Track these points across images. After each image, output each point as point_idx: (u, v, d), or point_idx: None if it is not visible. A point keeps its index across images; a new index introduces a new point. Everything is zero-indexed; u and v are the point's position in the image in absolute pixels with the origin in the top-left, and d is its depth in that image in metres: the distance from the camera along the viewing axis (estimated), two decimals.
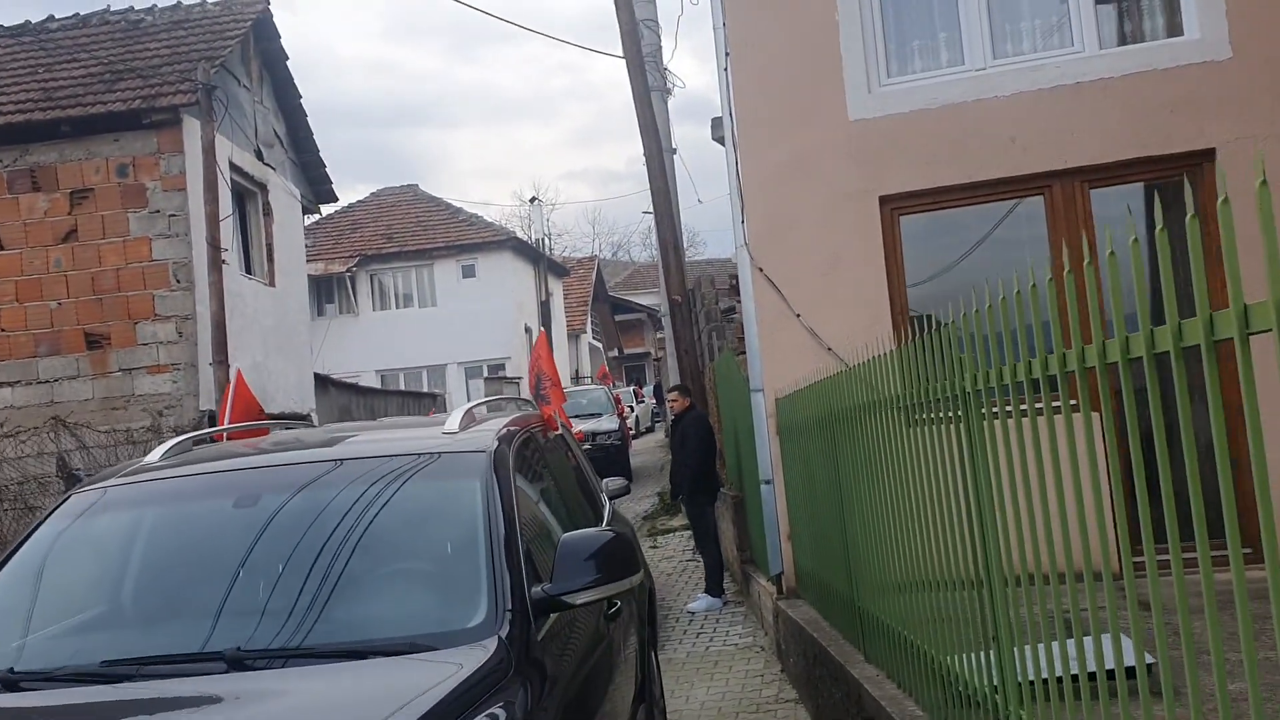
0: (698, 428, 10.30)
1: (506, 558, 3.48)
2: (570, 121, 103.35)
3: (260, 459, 4.17)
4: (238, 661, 3.07)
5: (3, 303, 12.78)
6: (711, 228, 75.05)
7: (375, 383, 31.81)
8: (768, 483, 7.81)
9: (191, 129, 12.75)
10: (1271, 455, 2.17)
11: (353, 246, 33.69)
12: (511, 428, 4.41)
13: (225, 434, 5.43)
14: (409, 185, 36.74)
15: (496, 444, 4.05)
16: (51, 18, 15.46)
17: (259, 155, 15.17)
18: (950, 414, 3.59)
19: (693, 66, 71.37)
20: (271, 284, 15.33)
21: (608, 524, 5.35)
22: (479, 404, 4.76)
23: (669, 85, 14.98)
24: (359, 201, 36.53)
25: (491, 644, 3.10)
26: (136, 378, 12.63)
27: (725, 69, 7.91)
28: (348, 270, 32.63)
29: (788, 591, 7.77)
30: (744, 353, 9.05)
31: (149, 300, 12.75)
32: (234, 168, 14.08)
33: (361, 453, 4.16)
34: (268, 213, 15.36)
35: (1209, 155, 7.20)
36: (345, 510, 3.68)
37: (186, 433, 4.99)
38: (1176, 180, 7.37)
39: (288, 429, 5.51)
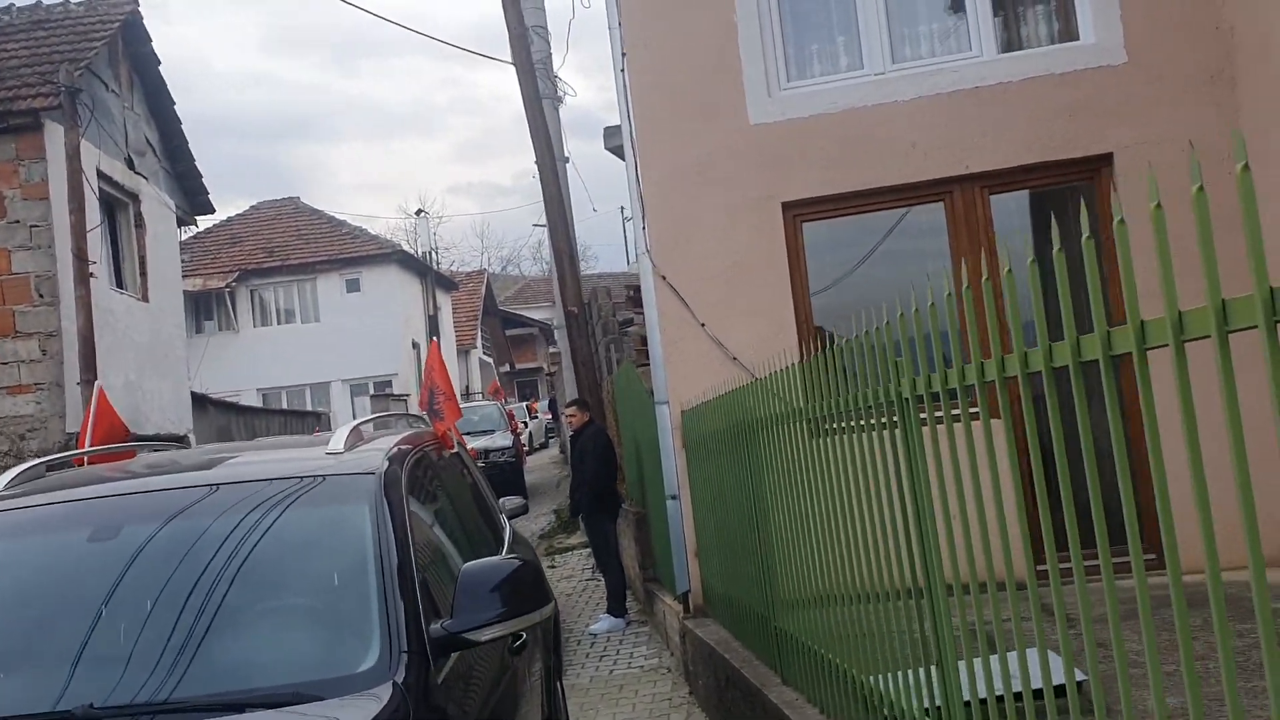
0: (597, 442, 9.98)
1: (401, 592, 3.14)
2: (455, 136, 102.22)
3: (123, 485, 3.73)
4: None
5: None
6: (603, 242, 75.08)
7: (257, 402, 30.76)
8: (673, 498, 7.55)
9: (54, 134, 11.99)
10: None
11: (232, 261, 32.60)
12: (403, 446, 4.06)
13: (86, 457, 4.94)
14: (290, 198, 35.70)
15: (386, 464, 3.69)
16: None
17: (130, 164, 14.40)
18: (883, 420, 3.36)
19: (580, 83, 71.34)
20: (144, 299, 14.54)
21: (509, 548, 5.02)
22: (366, 421, 4.39)
23: (560, 93, 14.67)
24: (238, 215, 35.37)
25: (385, 691, 2.76)
26: None
27: (622, 70, 7.66)
28: (227, 286, 31.53)
29: (695, 610, 7.51)
30: (645, 364, 8.80)
31: (9, 316, 11.93)
32: (103, 176, 13.31)
33: (236, 477, 3.75)
34: (140, 224, 14.58)
35: (1108, 160, 7.20)
36: (218, 542, 3.28)
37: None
38: (1075, 185, 7.36)
39: (158, 450, 5.04)
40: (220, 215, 35.37)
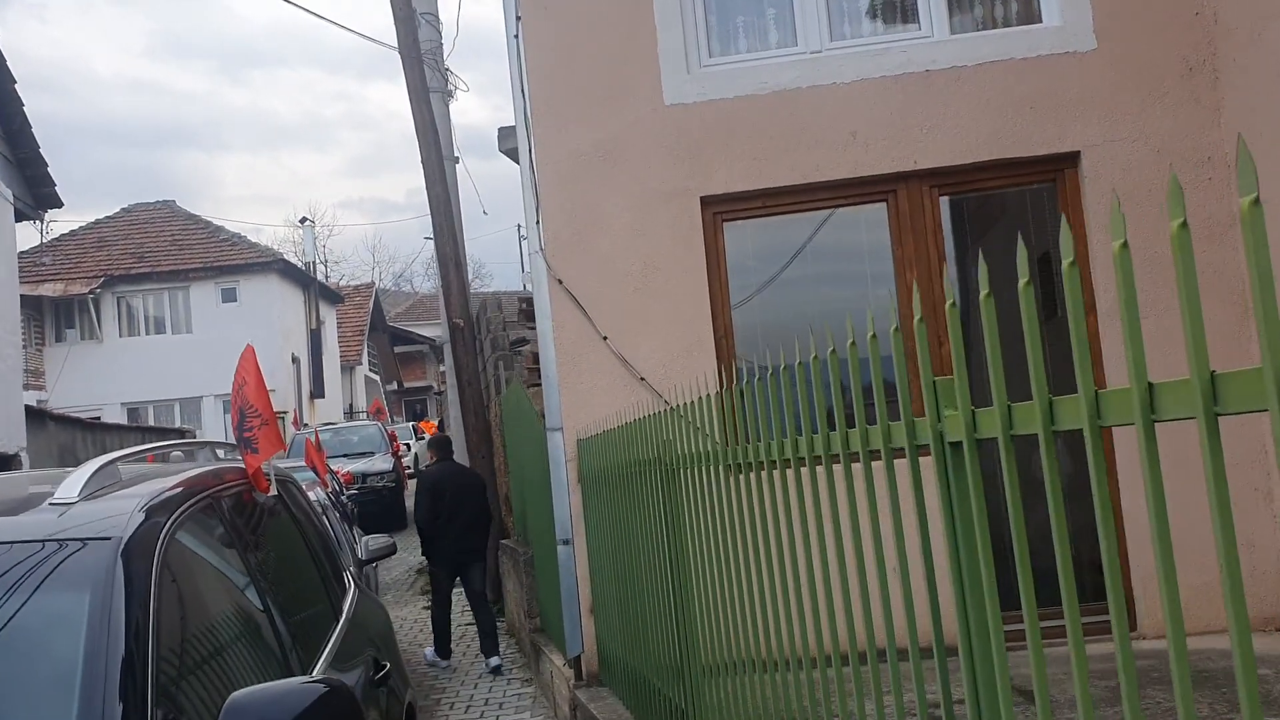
0: (420, 484, 9.35)
1: None
2: (347, 150, 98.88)
3: None
4: None
5: None
6: (500, 260, 73.01)
7: (121, 417, 28.63)
8: (566, 543, 6.35)
9: None
10: None
11: (98, 266, 30.37)
12: (177, 491, 2.79)
13: None
14: (165, 201, 33.46)
15: (139, 522, 2.45)
16: None
17: None
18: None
19: (477, 102, 69.31)
20: None
21: (349, 630, 3.76)
22: (131, 453, 3.10)
23: (451, 87, 13.43)
24: (107, 217, 33.03)
25: None
26: None
27: (516, 35, 6.49)
28: (90, 291, 29.31)
29: (589, 678, 6.32)
30: (537, 385, 7.62)
31: None
32: None
33: None
34: None
35: (1072, 160, 6.28)
36: None
37: None
38: (1036, 188, 6.43)
39: None
40: (88, 217, 33.09)
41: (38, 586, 2.21)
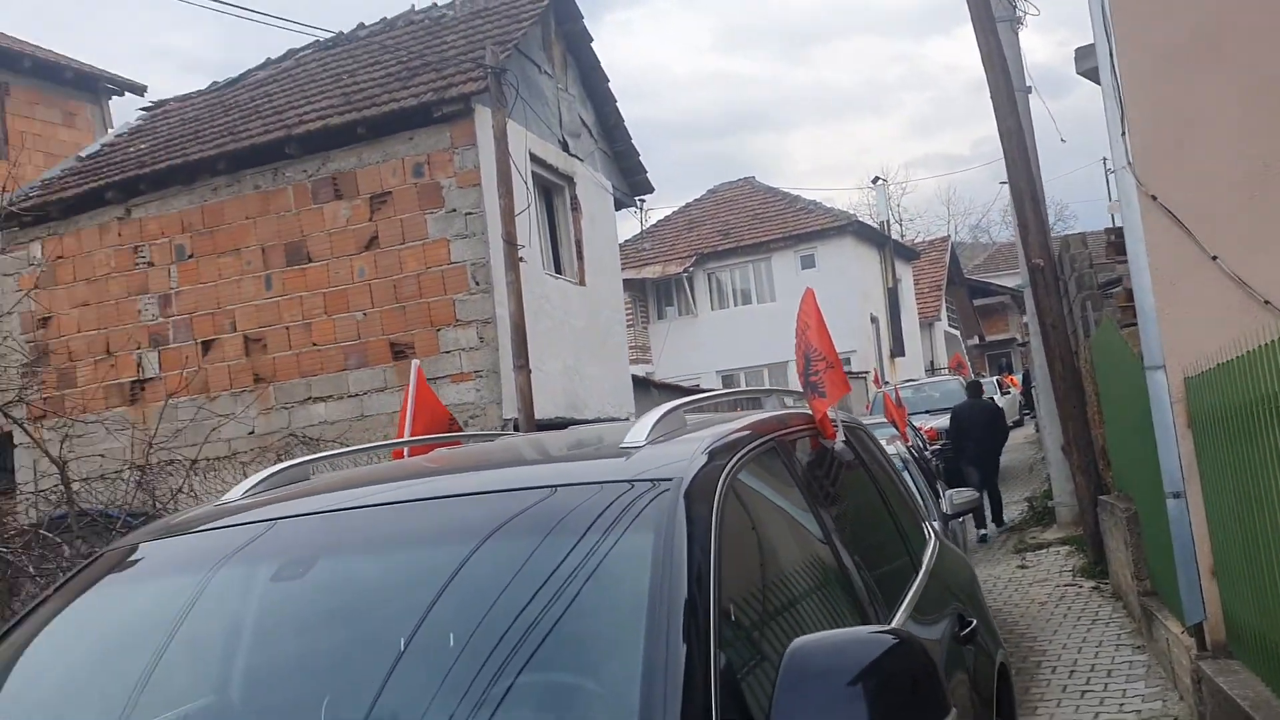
0: (951, 416, 15.09)
1: (685, 683, 1.82)
2: (906, 111, 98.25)
3: (335, 498, 2.67)
4: None
5: (313, 316, 12.51)
6: (1084, 199, 68.07)
7: (716, 384, 30.84)
8: (1176, 496, 5.55)
9: (484, 120, 11.90)
10: None
11: (690, 246, 33.01)
12: (739, 435, 2.70)
13: (406, 450, 4.08)
14: (745, 178, 35.57)
15: (704, 463, 2.37)
16: (361, 25, 15.35)
17: (564, 146, 14.24)
18: None
19: (1039, 40, 65.12)
20: (582, 283, 14.34)
21: (925, 579, 3.49)
22: (699, 400, 3.07)
23: (1019, 13, 12.58)
24: (695, 200, 35.80)
25: None
26: (441, 387, 11.88)
27: None
28: (684, 271, 31.92)
29: (1214, 648, 5.49)
30: (1131, 324, 6.79)
31: (449, 305, 12.03)
32: (536, 160, 13.18)
33: (473, 487, 2.59)
34: (575, 207, 14.40)
35: None
36: (417, 591, 2.16)
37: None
38: None
39: (484, 440, 4.09)
40: (678, 202, 36.05)
41: (607, 526, 2.19)
